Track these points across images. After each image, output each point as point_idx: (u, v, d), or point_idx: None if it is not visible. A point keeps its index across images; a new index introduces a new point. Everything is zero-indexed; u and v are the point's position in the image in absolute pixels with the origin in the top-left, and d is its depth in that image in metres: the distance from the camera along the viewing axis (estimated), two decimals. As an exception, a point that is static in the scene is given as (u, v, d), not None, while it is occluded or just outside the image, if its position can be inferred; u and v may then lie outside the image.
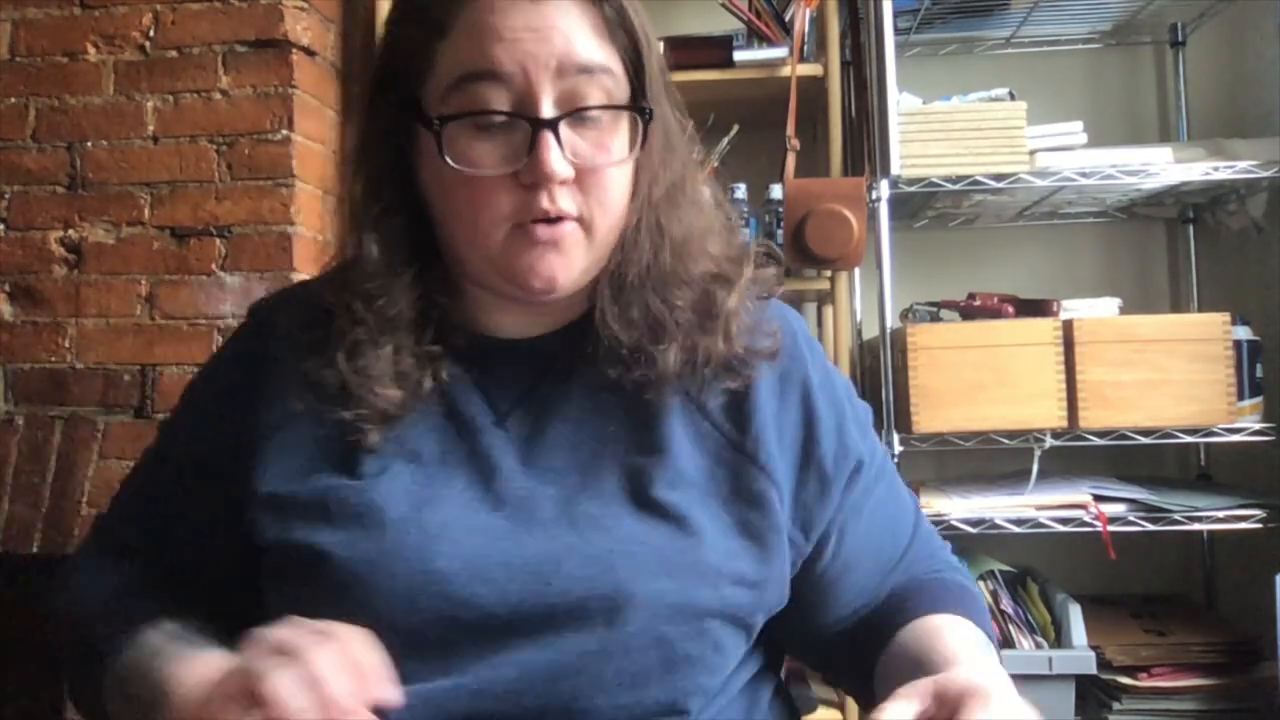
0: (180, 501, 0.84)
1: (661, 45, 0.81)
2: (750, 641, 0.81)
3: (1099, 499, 1.76)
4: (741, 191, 1.89)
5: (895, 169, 1.78)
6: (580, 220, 0.75)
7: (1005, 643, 1.73)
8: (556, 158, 0.72)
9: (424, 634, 0.72)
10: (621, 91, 0.76)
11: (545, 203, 0.73)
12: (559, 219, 0.74)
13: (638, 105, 0.76)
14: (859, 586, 0.85)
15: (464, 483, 0.77)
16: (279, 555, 0.77)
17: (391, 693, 0.64)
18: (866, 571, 0.85)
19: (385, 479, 0.76)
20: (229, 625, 0.78)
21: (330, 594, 0.73)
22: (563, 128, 0.72)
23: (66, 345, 1.85)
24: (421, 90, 0.76)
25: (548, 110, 0.72)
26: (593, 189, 0.75)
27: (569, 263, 0.75)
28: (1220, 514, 1.73)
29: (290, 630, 0.63)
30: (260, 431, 0.79)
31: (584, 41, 0.73)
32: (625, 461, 0.78)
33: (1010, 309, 1.85)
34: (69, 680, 0.84)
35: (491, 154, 0.73)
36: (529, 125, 0.72)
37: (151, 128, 1.85)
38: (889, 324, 1.79)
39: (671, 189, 0.80)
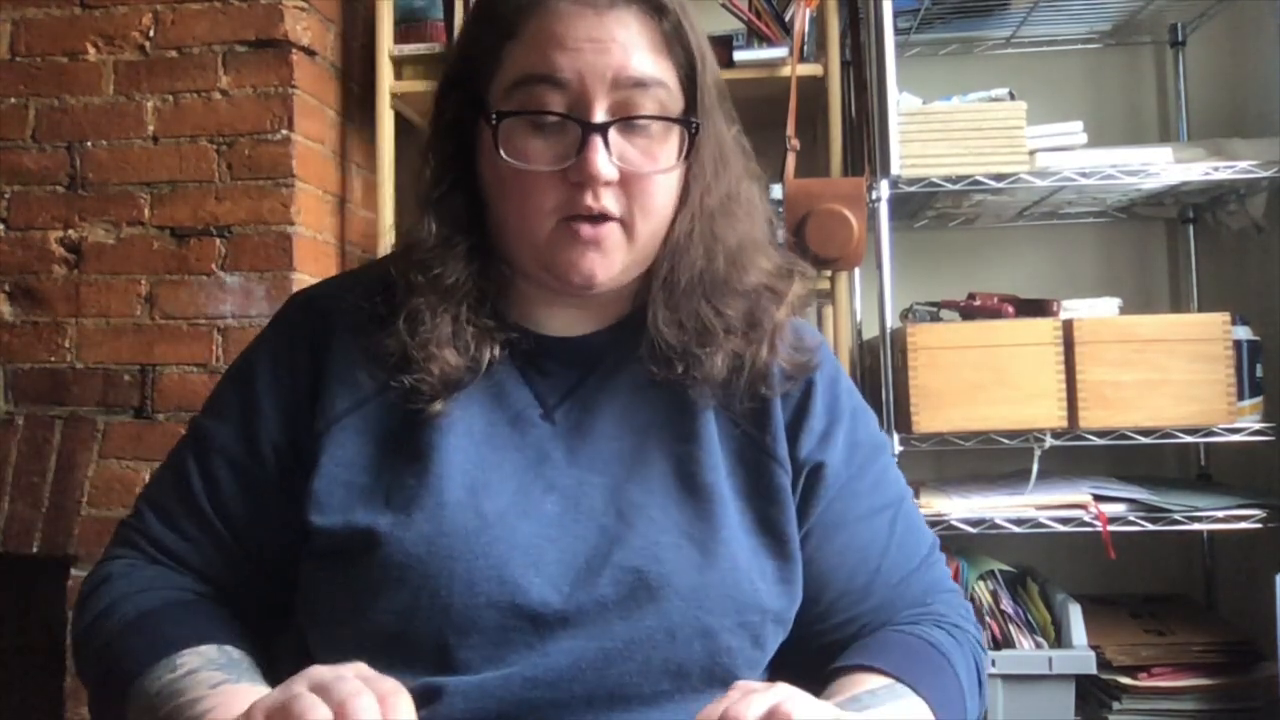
0: (232, 498, 0.83)
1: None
2: (784, 635, 0.82)
3: (1099, 499, 1.75)
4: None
5: (895, 169, 1.78)
6: (622, 221, 0.79)
7: (1005, 643, 1.73)
8: (603, 160, 0.76)
9: (480, 620, 0.74)
10: (675, 104, 0.80)
11: (590, 200, 0.77)
12: (602, 219, 0.77)
13: (686, 118, 0.80)
14: (820, 609, 0.84)
15: (514, 471, 0.80)
16: (337, 538, 0.77)
17: None
18: (834, 592, 0.84)
19: (442, 463, 0.78)
20: (266, 630, 0.80)
21: (388, 574, 0.75)
22: (612, 133, 0.77)
23: (66, 345, 1.85)
24: (488, 87, 0.80)
25: (599, 116, 0.76)
26: (637, 193, 0.79)
27: (609, 262, 0.79)
28: (1220, 514, 1.73)
29: (333, 670, 0.62)
30: (327, 418, 0.81)
31: (640, 56, 0.77)
32: (670, 449, 0.81)
33: (1010, 309, 1.85)
34: (89, 693, 0.81)
35: (544, 151, 0.77)
36: (580, 128, 0.76)
37: (151, 128, 1.85)
38: (889, 324, 1.79)
39: (726, 199, 0.84)
